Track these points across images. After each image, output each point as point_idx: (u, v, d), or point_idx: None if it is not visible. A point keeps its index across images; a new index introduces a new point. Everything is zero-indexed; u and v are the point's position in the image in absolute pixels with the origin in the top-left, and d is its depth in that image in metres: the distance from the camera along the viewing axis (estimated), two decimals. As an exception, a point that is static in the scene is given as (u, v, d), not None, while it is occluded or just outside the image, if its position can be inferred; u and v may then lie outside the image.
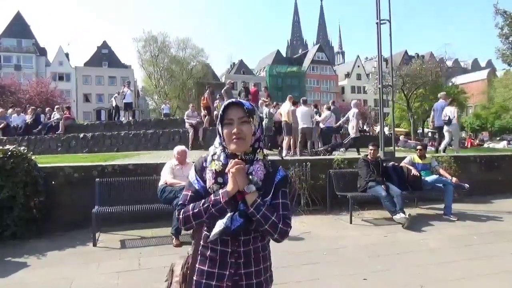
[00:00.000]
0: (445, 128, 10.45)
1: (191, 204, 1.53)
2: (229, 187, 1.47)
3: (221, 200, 1.47)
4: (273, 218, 1.50)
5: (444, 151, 10.27)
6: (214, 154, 1.59)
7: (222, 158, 1.55)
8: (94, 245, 4.93)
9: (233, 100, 1.60)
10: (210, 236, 1.49)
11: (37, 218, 5.25)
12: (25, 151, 5.41)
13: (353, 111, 11.05)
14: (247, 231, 1.53)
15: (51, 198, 5.53)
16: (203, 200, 1.51)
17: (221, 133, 1.56)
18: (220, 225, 1.46)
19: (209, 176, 1.55)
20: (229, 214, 1.47)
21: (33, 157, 5.49)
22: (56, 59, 58.33)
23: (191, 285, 1.58)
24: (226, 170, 1.49)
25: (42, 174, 5.48)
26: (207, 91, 14.91)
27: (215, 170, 1.54)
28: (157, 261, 4.33)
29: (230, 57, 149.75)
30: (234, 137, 1.50)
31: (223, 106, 1.56)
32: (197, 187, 1.58)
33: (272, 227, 1.50)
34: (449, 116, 10.28)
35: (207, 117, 13.42)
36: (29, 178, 5.20)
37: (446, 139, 10.48)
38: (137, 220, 5.80)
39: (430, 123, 10.98)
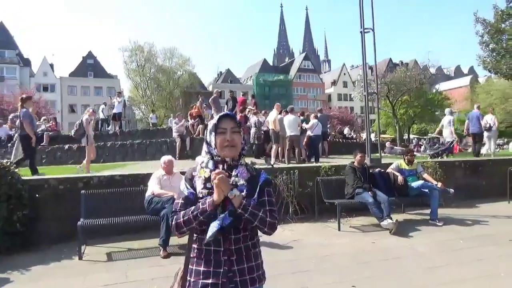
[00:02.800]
0: (486, 134, 11.75)
1: (182, 212, 1.68)
2: (215, 196, 1.60)
3: (207, 208, 1.61)
4: (260, 214, 1.66)
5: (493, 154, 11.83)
6: (202, 162, 1.76)
7: (210, 165, 1.72)
8: (80, 258, 4.83)
9: (227, 112, 1.83)
10: (207, 238, 1.62)
11: (21, 232, 5.12)
12: (9, 163, 5.31)
13: (449, 118, 12.05)
14: (236, 229, 1.68)
15: (36, 211, 5.41)
16: (192, 208, 1.65)
17: (210, 142, 1.73)
18: (215, 225, 1.60)
19: (198, 182, 1.72)
20: (220, 216, 1.61)
21: (16, 170, 5.39)
22: (40, 70, 57.59)
23: (185, 285, 1.71)
24: (211, 180, 1.62)
25: (26, 187, 5.36)
26: (199, 100, 14.89)
27: (204, 176, 1.71)
28: (144, 273, 4.27)
29: (217, 66, 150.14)
30: (227, 144, 1.68)
31: (218, 117, 1.75)
32: (186, 194, 1.73)
33: (261, 222, 1.66)
34: (489, 124, 11.61)
35: (200, 126, 13.38)
36: (13, 191, 5.09)
37: (487, 143, 11.97)
38: (124, 232, 5.72)
39: (465, 130, 12.68)
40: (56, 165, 11.86)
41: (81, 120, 8.31)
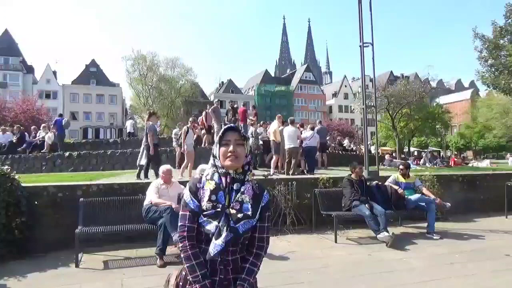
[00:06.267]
0: None
1: (190, 253, 1.70)
2: None
3: None
4: (256, 270, 1.79)
5: None
6: (207, 174, 1.79)
7: (216, 177, 1.74)
8: (77, 266, 4.85)
9: (232, 125, 1.85)
10: (211, 255, 1.65)
11: (19, 239, 5.16)
12: (9, 170, 5.36)
13: None
14: (235, 242, 1.70)
15: (34, 218, 5.46)
16: (195, 263, 1.69)
17: (216, 154, 1.77)
18: (219, 243, 1.64)
19: (205, 195, 1.72)
20: (224, 235, 1.64)
21: (16, 177, 5.44)
22: (43, 77, 57.91)
23: None
24: None
25: (25, 194, 5.41)
26: (204, 112, 14.83)
27: (210, 189, 1.72)
28: (140, 282, 4.30)
29: (219, 76, 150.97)
30: (229, 154, 1.71)
31: (222, 129, 1.80)
32: (192, 207, 1.73)
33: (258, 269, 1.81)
34: None
35: (206, 135, 13.44)
36: (12, 198, 5.14)
37: None
38: (122, 241, 5.75)
39: None
40: (55, 172, 11.90)
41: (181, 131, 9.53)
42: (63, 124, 14.41)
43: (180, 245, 1.73)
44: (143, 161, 8.42)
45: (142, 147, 8.58)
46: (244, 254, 1.79)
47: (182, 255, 1.73)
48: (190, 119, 11.05)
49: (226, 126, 1.82)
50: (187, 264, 1.70)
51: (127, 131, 20.78)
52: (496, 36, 16.30)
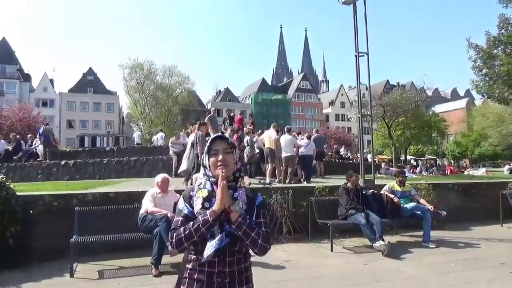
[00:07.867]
0: None
1: (182, 227, 1.71)
2: (216, 205, 1.67)
3: (209, 218, 1.65)
4: (252, 235, 1.70)
5: None
6: (200, 183, 1.83)
7: (208, 186, 1.78)
8: (71, 276, 4.82)
9: (219, 134, 1.89)
10: (204, 258, 1.67)
11: (13, 248, 5.12)
12: (4, 179, 5.35)
13: None
14: (232, 252, 1.73)
15: (29, 227, 5.42)
16: (191, 222, 1.70)
17: (206, 164, 1.80)
18: (212, 245, 1.66)
19: (197, 202, 1.76)
20: (219, 236, 1.67)
21: (11, 185, 5.42)
22: (40, 85, 57.83)
23: None
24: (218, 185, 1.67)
25: (21, 202, 5.38)
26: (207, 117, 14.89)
27: (202, 196, 1.76)
28: (135, 291, 4.27)
29: (216, 84, 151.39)
30: (219, 164, 1.73)
31: (210, 140, 1.82)
32: (186, 212, 1.77)
33: (252, 243, 1.71)
34: None
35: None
36: (7, 207, 5.11)
37: None
38: (117, 250, 5.71)
39: None
40: (51, 180, 11.84)
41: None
42: (40, 132, 14.49)
43: (174, 235, 1.71)
44: (181, 168, 8.83)
45: (190, 155, 8.83)
46: (242, 266, 1.79)
47: (183, 236, 1.68)
48: (190, 126, 11.21)
49: (213, 136, 1.86)
50: (190, 230, 1.67)
51: (135, 142, 22.78)
52: (490, 46, 16.45)
